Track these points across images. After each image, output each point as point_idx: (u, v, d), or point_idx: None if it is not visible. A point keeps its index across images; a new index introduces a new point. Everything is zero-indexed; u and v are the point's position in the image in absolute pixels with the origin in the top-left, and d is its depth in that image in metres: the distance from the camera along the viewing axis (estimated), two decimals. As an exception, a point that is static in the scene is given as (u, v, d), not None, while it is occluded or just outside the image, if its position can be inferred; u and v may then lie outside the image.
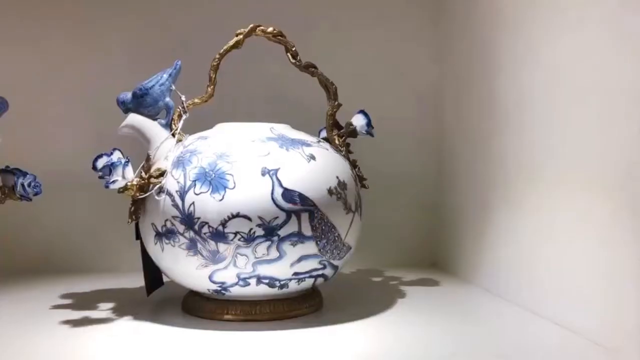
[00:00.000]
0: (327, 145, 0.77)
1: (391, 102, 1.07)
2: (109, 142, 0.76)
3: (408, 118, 1.09)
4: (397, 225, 1.09)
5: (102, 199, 0.94)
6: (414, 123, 1.09)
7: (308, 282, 0.72)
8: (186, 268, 0.69)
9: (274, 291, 0.70)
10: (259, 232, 0.66)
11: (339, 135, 0.82)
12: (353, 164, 0.79)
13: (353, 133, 0.82)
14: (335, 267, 0.73)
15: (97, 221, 1.02)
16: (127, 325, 0.71)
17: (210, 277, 0.68)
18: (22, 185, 0.78)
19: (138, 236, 0.76)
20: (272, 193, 0.67)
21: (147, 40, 1.03)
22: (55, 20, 1.02)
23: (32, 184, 0.79)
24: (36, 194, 0.80)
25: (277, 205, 0.66)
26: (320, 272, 0.71)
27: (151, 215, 0.70)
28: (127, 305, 0.79)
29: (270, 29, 0.78)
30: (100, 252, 1.03)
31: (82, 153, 1.00)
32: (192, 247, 0.67)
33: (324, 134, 0.86)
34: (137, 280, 0.83)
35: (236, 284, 0.68)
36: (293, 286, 0.71)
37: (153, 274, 0.78)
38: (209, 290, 0.70)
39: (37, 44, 1.02)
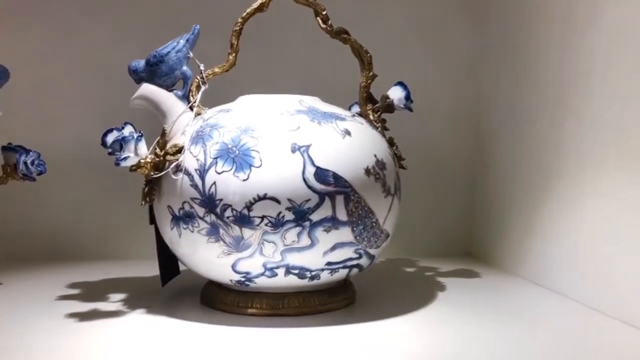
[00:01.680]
0: (362, 120, 0.68)
1: (427, 76, 0.99)
2: (120, 117, 0.68)
3: (445, 94, 1.00)
4: (430, 209, 1.01)
5: (113, 179, 0.87)
6: (451, 99, 1.00)
7: (342, 273, 0.64)
8: (206, 256, 0.61)
9: (304, 283, 0.63)
10: (289, 216, 0.58)
11: (374, 109, 0.73)
12: (390, 142, 0.71)
13: (390, 107, 0.74)
14: (371, 257, 0.65)
15: (108, 203, 0.95)
16: (140, 319, 0.64)
17: (233, 267, 0.61)
18: (25, 163, 0.72)
19: (152, 220, 0.68)
20: (304, 172, 0.59)
21: (162, 2, 0.95)
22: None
23: (36, 162, 0.72)
24: (40, 173, 0.74)
25: (309, 186, 0.59)
26: (355, 262, 0.64)
27: (167, 196, 0.63)
28: (140, 296, 0.72)
29: (298, -10, 0.70)
30: (111, 237, 0.96)
31: (90, 129, 0.92)
32: (213, 232, 0.60)
33: (355, 109, 0.78)
34: (151, 268, 0.76)
35: (262, 274, 0.61)
36: (325, 277, 0.63)
37: (168, 261, 0.71)
38: (231, 281, 0.63)
39: (43, 12, 0.94)
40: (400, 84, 0.74)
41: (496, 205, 0.95)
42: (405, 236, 0.93)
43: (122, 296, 0.72)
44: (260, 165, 0.59)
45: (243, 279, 0.62)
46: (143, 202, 0.65)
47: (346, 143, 0.62)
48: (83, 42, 0.95)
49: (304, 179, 0.59)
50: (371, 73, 0.73)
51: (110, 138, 0.63)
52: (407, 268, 0.91)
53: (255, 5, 0.69)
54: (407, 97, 0.73)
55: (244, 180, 0.58)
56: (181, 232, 0.62)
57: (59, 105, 0.95)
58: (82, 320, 0.63)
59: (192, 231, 0.61)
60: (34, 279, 0.81)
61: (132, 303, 0.69)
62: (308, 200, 0.59)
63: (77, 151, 0.94)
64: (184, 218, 0.61)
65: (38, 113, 0.94)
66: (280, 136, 0.60)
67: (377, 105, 0.74)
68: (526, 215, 0.83)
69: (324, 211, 0.59)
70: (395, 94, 0.74)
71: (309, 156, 0.59)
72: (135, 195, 0.68)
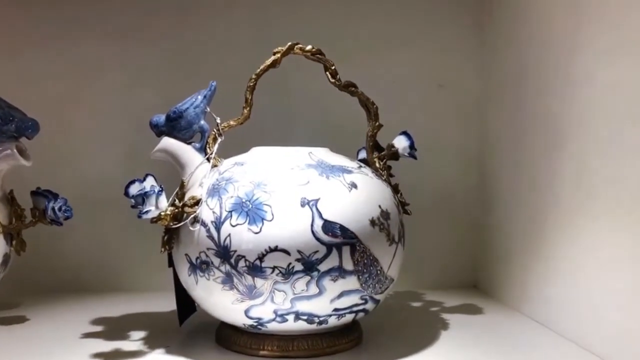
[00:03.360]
0: (368, 170, 0.72)
1: (432, 117, 1.03)
2: (141, 159, 0.73)
3: (449, 134, 1.04)
4: (437, 244, 1.04)
5: (134, 217, 0.92)
6: (456, 139, 1.04)
7: (348, 318, 0.68)
8: (221, 302, 0.66)
9: (313, 327, 0.67)
10: (298, 267, 0.62)
11: (380, 157, 0.77)
12: (395, 189, 0.75)
13: (395, 155, 0.78)
14: (376, 301, 0.69)
15: (129, 240, 1.00)
16: (159, 359, 0.68)
17: (246, 312, 0.65)
18: (53, 209, 0.77)
19: (171, 263, 0.73)
20: (312, 225, 0.63)
21: (181, 56, 1.00)
22: (86, 31, 1.00)
23: (63, 208, 0.77)
24: (67, 218, 0.78)
25: (317, 238, 0.63)
26: (361, 307, 0.67)
27: (185, 245, 0.67)
28: (159, 334, 0.76)
29: (308, 47, 0.74)
30: (132, 271, 1.01)
31: (113, 170, 1.00)
32: (227, 281, 0.64)
33: (363, 154, 0.82)
34: (169, 302, 0.79)
35: (273, 320, 0.65)
36: (333, 322, 0.67)
37: (185, 302, 0.75)
38: (244, 325, 0.67)
39: (67, 57, 1.00)
40: (405, 133, 0.78)
41: (500, 242, 0.98)
42: (413, 268, 0.96)
43: (142, 334, 0.76)
44: (272, 219, 0.63)
45: (255, 324, 0.66)
46: (162, 249, 0.69)
47: (352, 196, 0.66)
48: (106, 88, 1.00)
49: (313, 232, 0.63)
50: (377, 123, 0.77)
51: (133, 190, 0.67)
52: (414, 302, 0.94)
53: (268, 62, 0.73)
54: (411, 146, 0.77)
55: (256, 233, 0.63)
56: (198, 279, 0.66)
57: (84, 145, 1.00)
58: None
59: (208, 279, 0.65)
60: (59, 314, 0.86)
61: (152, 342, 0.73)
62: (316, 252, 0.63)
63: (101, 189, 0.99)
64: (200, 266, 0.65)
65: (63, 153, 1.00)
66: (290, 191, 0.64)
67: (382, 153, 0.78)
68: (527, 254, 0.87)
69: (331, 261, 0.63)
70: (400, 143, 0.78)
71: (317, 210, 0.63)
72: (154, 233, 0.73)
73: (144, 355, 0.69)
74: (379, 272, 0.67)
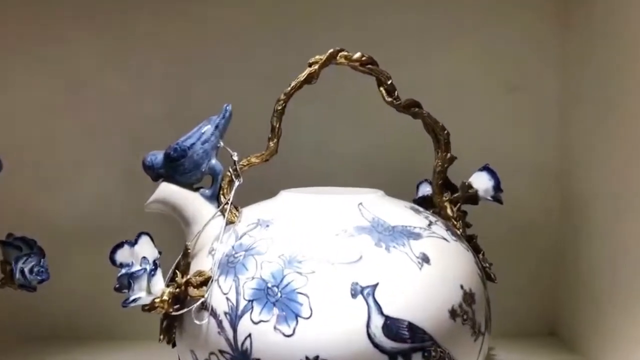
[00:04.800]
0: (441, 227, 0.53)
1: (500, 126, 0.81)
2: (142, 181, 0.55)
3: (523, 147, 0.82)
4: (506, 282, 0.83)
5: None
6: (531, 153, 0.83)
7: None
8: (240, 420, 0.48)
9: None
10: (349, 385, 0.44)
11: (452, 201, 0.58)
12: (476, 249, 0.56)
13: (473, 199, 0.58)
14: (453, 412, 0.50)
15: None
16: None
17: None
18: (22, 271, 0.59)
19: (175, 343, 0.55)
20: (369, 325, 0.44)
21: (189, 65, 0.80)
22: (78, 33, 0.80)
23: (36, 269, 0.60)
24: (41, 281, 0.61)
25: (376, 345, 0.44)
26: None
27: (190, 339, 0.49)
28: None
29: (357, 55, 0.54)
30: (130, 317, 0.83)
31: (108, 191, 0.82)
32: (248, 397, 0.46)
33: (423, 189, 0.62)
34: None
35: None
36: None
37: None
38: None
39: (53, 60, 0.81)
40: (487, 169, 0.58)
41: (584, 280, 0.78)
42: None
43: None
44: (310, 316, 0.44)
45: None
46: (161, 338, 0.51)
47: (425, 276, 0.46)
48: (101, 99, 0.81)
49: (369, 335, 0.44)
50: (449, 155, 0.57)
51: (120, 257, 0.50)
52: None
53: (302, 76, 0.54)
54: (497, 187, 0.58)
55: (288, 335, 0.44)
56: (208, 387, 0.48)
57: (71, 165, 0.82)
58: None
59: (222, 390, 0.47)
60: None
61: None
62: (374, 364, 0.44)
63: (92, 217, 0.81)
64: (211, 373, 0.47)
65: (47, 174, 0.82)
66: (336, 272, 0.45)
67: (456, 195, 0.58)
68: (619, 295, 0.66)
69: (396, 376, 0.44)
70: (481, 182, 0.58)
71: (375, 302, 0.44)
72: (164, 265, 0.55)
73: None
74: (459, 379, 0.48)
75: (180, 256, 0.51)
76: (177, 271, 0.50)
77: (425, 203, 0.60)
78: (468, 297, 0.48)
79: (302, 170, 0.73)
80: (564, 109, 0.82)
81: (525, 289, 0.85)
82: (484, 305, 0.51)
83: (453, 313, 0.46)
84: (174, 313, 0.48)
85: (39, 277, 0.60)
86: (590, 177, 0.77)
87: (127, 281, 0.46)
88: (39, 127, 0.80)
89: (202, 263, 0.50)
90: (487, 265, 0.56)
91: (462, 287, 0.48)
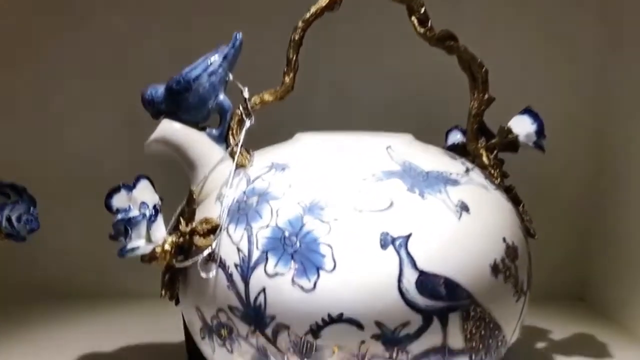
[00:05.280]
0: (478, 174, 0.47)
1: (527, 76, 0.74)
2: (144, 131, 0.49)
3: (553, 102, 0.75)
4: (536, 248, 0.79)
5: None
6: (563, 109, 0.76)
7: (446, 407, 0.44)
8: (251, 384, 0.42)
9: (392, 423, 0.43)
10: (377, 347, 0.38)
11: (489, 147, 0.51)
12: (515, 200, 0.49)
13: (513, 145, 0.51)
14: (488, 379, 0.45)
15: None
16: None
17: (290, 404, 0.42)
18: (9, 219, 0.53)
19: (179, 301, 0.50)
20: (400, 280, 0.38)
21: None
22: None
23: (25, 217, 0.54)
24: (31, 230, 0.55)
25: (408, 302, 0.38)
26: (467, 394, 0.44)
27: (195, 294, 0.43)
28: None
29: (386, -22, 0.47)
30: (130, 272, 0.78)
31: (106, 146, 0.76)
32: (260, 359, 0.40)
33: (453, 137, 0.56)
34: (177, 318, 0.56)
35: (333, 416, 0.42)
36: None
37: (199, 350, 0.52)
38: (287, 415, 0.44)
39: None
40: (529, 112, 0.51)
41: (616, 246, 0.73)
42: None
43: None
44: (334, 269, 0.38)
45: (304, 417, 0.43)
46: (163, 293, 0.45)
47: (464, 227, 0.41)
48: (97, 37, 0.74)
49: (401, 291, 0.38)
50: (487, 96, 0.51)
51: (116, 202, 0.44)
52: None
53: (323, 2, 0.47)
54: (540, 132, 0.51)
55: (308, 290, 0.38)
56: (215, 348, 0.43)
57: (66, 110, 0.76)
58: None
59: (231, 351, 0.41)
60: (32, 326, 0.65)
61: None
62: (407, 324, 0.38)
63: (89, 167, 0.76)
64: (218, 331, 0.42)
65: (41, 120, 0.76)
66: (364, 220, 0.39)
67: (493, 141, 0.52)
68: None
69: (431, 338, 0.39)
70: (522, 126, 0.51)
71: (408, 254, 0.38)
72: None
73: None
74: (500, 343, 0.42)
75: (184, 203, 0.45)
76: (180, 219, 0.44)
77: (455, 152, 0.53)
78: (511, 251, 0.42)
79: (319, 116, 0.67)
80: (601, 58, 0.75)
81: (554, 254, 0.79)
82: (527, 261, 0.45)
83: (495, 269, 0.41)
84: (177, 265, 0.43)
85: (28, 226, 0.54)
86: (626, 131, 0.70)
87: (124, 228, 0.41)
88: (31, 69, 0.74)
89: (209, 210, 0.44)
90: (528, 218, 0.50)
91: (504, 240, 0.42)
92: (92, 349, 0.63)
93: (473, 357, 0.40)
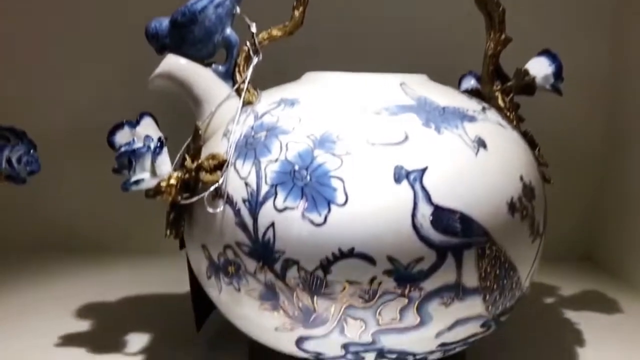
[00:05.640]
0: (495, 113, 0.45)
1: (538, 23, 0.72)
2: (144, 81, 0.47)
3: (565, 52, 0.74)
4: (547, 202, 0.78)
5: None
6: (574, 60, 0.73)
7: (458, 350, 0.43)
8: (259, 324, 0.41)
9: (402, 364, 0.42)
10: (389, 283, 0.37)
11: (505, 90, 0.50)
12: (532, 143, 0.48)
13: (529, 88, 0.50)
14: (501, 324, 0.44)
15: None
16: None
17: (298, 344, 0.41)
18: (9, 161, 0.52)
19: (183, 244, 0.48)
20: (414, 215, 0.37)
21: None
22: None
23: (25, 158, 0.52)
24: (31, 172, 0.53)
25: (422, 237, 0.37)
26: (480, 337, 0.42)
27: (201, 232, 0.42)
28: (167, 345, 0.53)
29: None
30: (134, 229, 0.77)
31: (108, 97, 0.74)
32: (269, 297, 0.39)
33: (467, 82, 0.55)
34: (181, 272, 0.53)
35: (342, 357, 0.41)
36: (434, 358, 0.42)
37: (204, 295, 0.51)
38: (294, 356, 0.43)
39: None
40: (547, 54, 0.50)
41: (625, 204, 0.72)
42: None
43: (143, 340, 0.53)
44: (345, 202, 0.37)
45: (312, 358, 0.42)
46: (167, 233, 0.44)
47: (481, 162, 0.39)
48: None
49: (415, 226, 0.37)
50: (503, 36, 0.49)
51: (120, 139, 0.42)
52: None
53: None
54: (557, 75, 0.49)
55: (318, 224, 0.37)
56: (222, 287, 0.41)
57: (67, 61, 0.74)
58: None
59: (239, 289, 0.40)
60: (36, 289, 0.64)
61: (155, 358, 0.50)
62: (420, 260, 0.37)
63: (91, 119, 0.74)
64: (225, 268, 0.40)
65: (40, 72, 0.74)
66: (377, 153, 0.38)
67: (509, 83, 0.50)
68: None
69: (445, 275, 0.37)
70: (540, 68, 0.49)
71: (423, 188, 0.37)
72: None
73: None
74: (514, 284, 0.41)
75: (189, 139, 0.44)
76: (186, 156, 0.43)
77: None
78: (528, 190, 0.41)
79: (330, 56, 0.65)
80: (619, 14, 0.73)
81: (562, 212, 0.77)
82: (543, 203, 0.44)
83: (512, 207, 0.39)
84: (183, 202, 0.41)
85: (28, 168, 0.52)
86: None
87: (128, 160, 0.39)
88: (30, 19, 0.72)
89: (216, 147, 0.42)
90: (543, 162, 0.48)
91: (521, 178, 0.41)
92: (94, 299, 0.62)
93: (487, 297, 0.39)
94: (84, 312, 0.59)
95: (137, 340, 0.53)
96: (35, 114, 0.71)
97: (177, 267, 0.54)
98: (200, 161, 0.41)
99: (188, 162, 0.42)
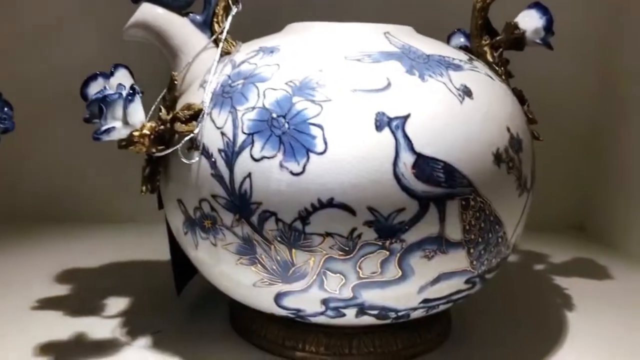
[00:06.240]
0: (482, 65, 0.43)
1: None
2: (127, 43, 0.45)
3: (567, 15, 0.72)
4: (538, 171, 0.76)
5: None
6: (567, 18, 0.72)
7: (441, 309, 0.42)
8: (237, 280, 0.40)
9: (385, 323, 0.41)
10: (369, 234, 0.36)
11: (493, 45, 0.48)
12: (520, 98, 0.46)
13: (519, 42, 0.48)
14: (486, 281, 0.43)
15: (110, 155, 0.72)
16: (141, 355, 0.44)
17: (277, 300, 0.39)
18: (-19, 118, 0.50)
19: (162, 204, 0.47)
20: (396, 164, 0.35)
21: None
22: None
23: (-3, 115, 0.50)
24: (5, 130, 0.52)
25: (404, 187, 0.35)
26: (464, 294, 0.41)
27: (177, 186, 0.41)
28: (147, 308, 0.52)
29: None
30: (115, 196, 0.75)
31: (91, 60, 0.71)
32: (246, 251, 0.38)
33: (455, 40, 0.53)
34: (161, 240, 0.52)
35: (322, 313, 0.39)
36: (417, 315, 0.41)
37: (185, 260, 0.50)
38: (274, 314, 0.42)
39: None
40: (538, 6, 0.48)
41: (618, 172, 0.71)
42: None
43: (122, 305, 0.52)
44: (325, 151, 0.35)
45: (292, 315, 0.41)
46: (143, 189, 0.43)
47: (466, 111, 0.38)
48: None
49: (396, 175, 0.35)
50: (493, -12, 0.47)
51: (93, 90, 0.41)
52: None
53: None
54: (547, 28, 0.48)
55: (297, 174, 0.35)
56: (198, 242, 0.40)
57: (48, 23, 0.72)
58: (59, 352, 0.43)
59: (215, 244, 0.39)
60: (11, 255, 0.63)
61: (134, 322, 0.49)
62: (402, 210, 0.35)
63: (73, 83, 0.71)
64: (201, 223, 0.39)
65: (21, 35, 0.72)
66: (358, 100, 0.36)
67: (498, 38, 0.48)
68: None
69: (427, 227, 0.36)
70: (530, 21, 0.48)
71: (405, 136, 0.36)
72: None
73: (117, 350, 0.45)
74: (500, 239, 0.40)
75: (165, 90, 0.42)
76: (161, 107, 0.41)
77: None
78: (515, 142, 0.40)
79: (314, 7, 0.63)
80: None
81: (553, 180, 0.76)
82: (531, 157, 0.42)
83: (498, 157, 0.38)
84: (157, 154, 0.40)
85: (1, 125, 0.51)
86: (635, 60, 0.67)
87: (99, 107, 0.37)
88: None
89: (193, 98, 0.41)
90: (532, 117, 0.47)
91: (508, 129, 0.39)
92: (73, 266, 0.61)
93: (471, 251, 0.38)
94: (62, 277, 0.58)
95: (116, 305, 0.52)
96: (14, 80, 0.69)
97: (158, 235, 0.53)
98: (176, 112, 0.40)
99: (163, 113, 0.40)
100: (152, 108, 0.42)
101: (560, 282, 0.60)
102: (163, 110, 0.41)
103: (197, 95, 0.40)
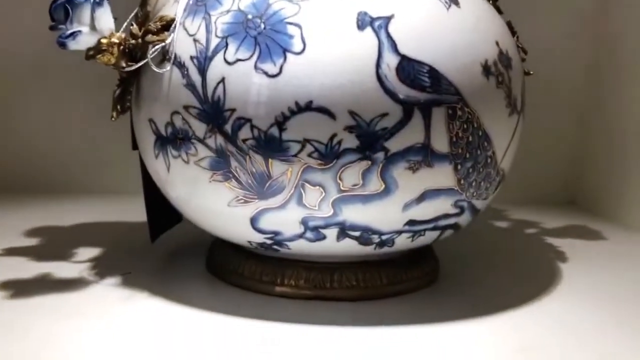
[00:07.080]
0: (470, -12, 0.42)
1: None
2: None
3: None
4: (525, 148, 0.74)
5: (93, 90, 0.63)
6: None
7: (428, 238, 0.40)
8: (210, 203, 0.38)
9: (367, 251, 0.39)
10: (350, 141, 0.34)
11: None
12: (510, 28, 0.45)
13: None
14: (476, 211, 0.41)
15: (88, 123, 0.70)
16: (108, 294, 0.41)
17: (253, 222, 0.37)
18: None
19: (136, 145, 0.45)
20: (379, 65, 0.33)
21: None
22: None
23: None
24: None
25: (387, 90, 0.33)
26: (452, 221, 0.39)
27: (148, 104, 0.38)
28: (119, 253, 0.49)
29: None
30: (94, 165, 0.72)
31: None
32: (220, 165, 0.35)
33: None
34: (141, 208, 0.51)
35: (301, 235, 0.37)
36: (402, 244, 0.39)
37: (162, 204, 0.47)
38: (250, 243, 0.39)
39: None
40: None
41: (610, 145, 0.69)
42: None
43: (93, 252, 0.49)
44: (303, 50, 0.33)
45: (269, 241, 0.38)
46: (114, 114, 0.40)
47: (453, 18, 0.36)
48: None
49: (379, 77, 0.33)
50: None
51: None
52: (500, 222, 0.66)
53: None
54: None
55: (273, 75, 0.33)
56: (170, 163, 0.38)
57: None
58: (18, 293, 0.40)
59: (187, 161, 0.36)
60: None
61: (103, 265, 0.46)
62: (384, 115, 0.33)
63: (51, 52, 0.69)
64: (173, 140, 0.37)
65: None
66: None
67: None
68: None
69: (411, 135, 0.34)
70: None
71: (388, 36, 0.34)
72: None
73: (83, 287, 0.42)
74: (489, 159, 0.38)
75: (138, 7, 0.40)
76: (133, 24, 0.39)
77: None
78: (504, 58, 0.38)
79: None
80: None
81: (544, 154, 0.75)
82: (521, 79, 0.40)
83: (487, 69, 0.36)
84: (128, 69, 0.38)
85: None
86: (629, 20, 0.66)
87: (65, 11, 0.35)
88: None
89: (165, 11, 0.39)
90: (522, 47, 0.45)
91: (497, 44, 0.38)
92: (48, 224, 0.58)
93: (458, 167, 0.36)
94: (34, 232, 0.55)
95: (88, 253, 0.49)
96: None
97: (140, 207, 0.51)
98: (148, 25, 0.38)
99: (134, 28, 0.38)
100: (124, 25, 0.40)
101: (552, 242, 0.58)
102: (135, 25, 0.39)
103: (172, 9, 0.38)
